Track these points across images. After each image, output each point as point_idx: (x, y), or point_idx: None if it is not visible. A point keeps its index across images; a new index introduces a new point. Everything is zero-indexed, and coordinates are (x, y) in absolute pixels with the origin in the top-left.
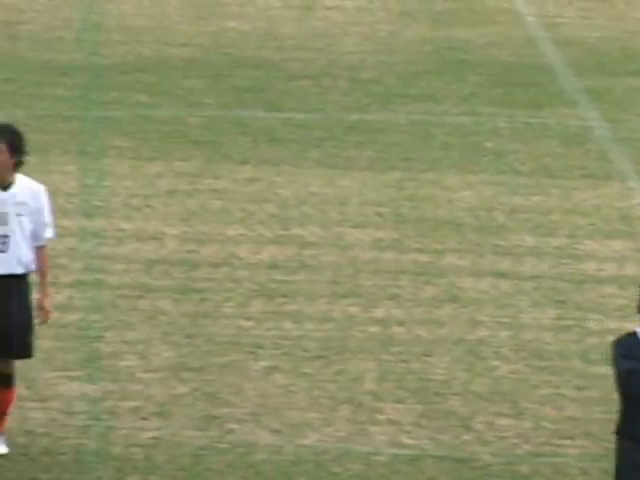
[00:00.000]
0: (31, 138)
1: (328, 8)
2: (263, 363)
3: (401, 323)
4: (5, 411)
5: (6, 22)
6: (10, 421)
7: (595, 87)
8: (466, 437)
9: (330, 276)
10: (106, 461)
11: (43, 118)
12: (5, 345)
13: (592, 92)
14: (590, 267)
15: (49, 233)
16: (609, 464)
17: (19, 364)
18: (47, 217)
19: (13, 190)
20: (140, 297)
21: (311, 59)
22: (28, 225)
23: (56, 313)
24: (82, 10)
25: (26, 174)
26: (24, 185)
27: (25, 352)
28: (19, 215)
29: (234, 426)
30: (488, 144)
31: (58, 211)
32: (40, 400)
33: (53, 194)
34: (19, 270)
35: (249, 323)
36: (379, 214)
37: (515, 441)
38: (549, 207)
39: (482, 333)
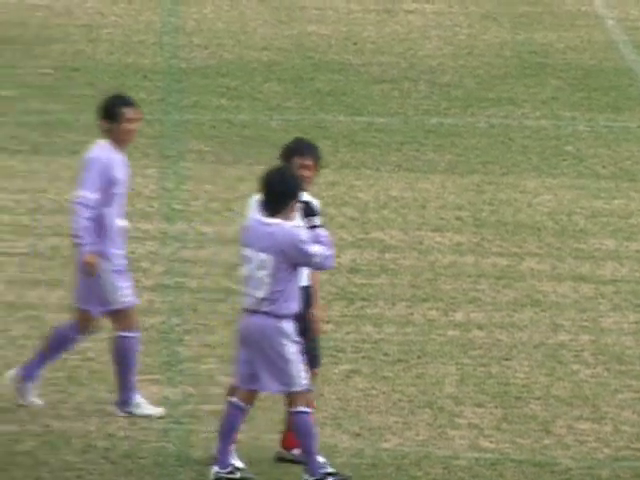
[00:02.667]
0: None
1: (408, 12)
2: (343, 367)
3: (481, 327)
4: None
5: (87, 26)
6: (91, 424)
7: None
8: (546, 441)
9: (410, 280)
10: (186, 464)
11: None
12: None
13: None
14: None
15: None
16: None
17: (100, 367)
18: None
19: None
20: (220, 300)
21: (391, 63)
22: None
23: (138, 316)
24: (163, 14)
25: None
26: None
27: None
28: None
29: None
30: (568, 148)
31: (138, 215)
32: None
33: (133, 197)
34: None
35: (329, 326)
36: (459, 218)
37: (595, 445)
38: (629, 210)
39: (562, 337)
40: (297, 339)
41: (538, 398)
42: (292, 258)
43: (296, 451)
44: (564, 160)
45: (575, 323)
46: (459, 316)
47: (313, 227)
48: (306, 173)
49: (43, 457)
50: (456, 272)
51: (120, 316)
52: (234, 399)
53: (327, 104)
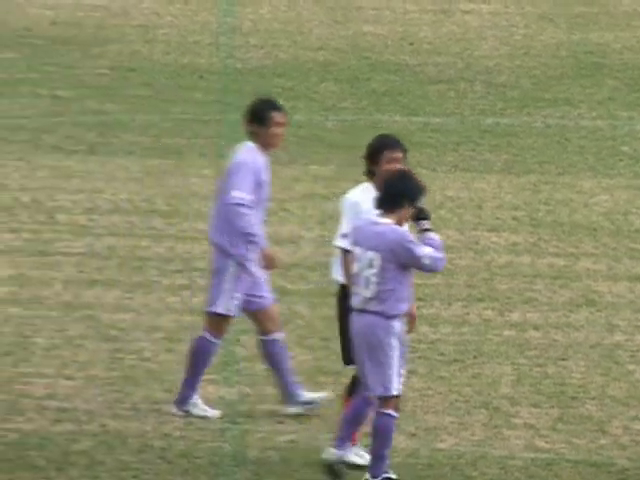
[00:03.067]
0: (167, 142)
1: (465, 12)
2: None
3: (537, 327)
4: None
5: (143, 26)
6: (147, 424)
7: None
8: (602, 441)
9: (466, 280)
10: (242, 464)
11: (179, 122)
12: None
13: None
14: None
15: None
16: None
17: (156, 367)
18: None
19: None
20: (277, 300)
21: (447, 63)
22: None
23: (194, 316)
24: (219, 14)
25: (162, 177)
26: None
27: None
28: None
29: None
30: (624, 148)
31: (194, 215)
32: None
33: (189, 197)
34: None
35: None
36: (515, 218)
37: None
38: None
39: (618, 337)
40: (402, 340)
41: (594, 398)
42: (401, 258)
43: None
44: (620, 160)
45: (631, 323)
46: (515, 316)
47: (425, 230)
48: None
49: (99, 457)
50: (512, 272)
51: (262, 318)
52: (382, 409)
53: (383, 104)
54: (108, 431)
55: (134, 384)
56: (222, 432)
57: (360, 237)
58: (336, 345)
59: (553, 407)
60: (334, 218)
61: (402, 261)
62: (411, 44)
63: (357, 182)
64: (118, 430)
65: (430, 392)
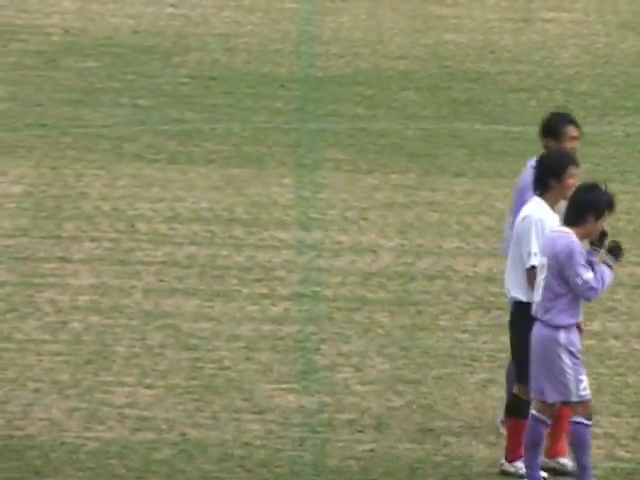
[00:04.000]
0: (248, 150)
1: (545, 20)
2: (479, 376)
3: (617, 336)
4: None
5: (224, 35)
6: (227, 433)
7: None
8: None
9: None
10: (322, 473)
11: (260, 130)
12: None
13: None
14: None
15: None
16: None
17: (236, 376)
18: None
19: None
20: (356, 309)
21: (528, 72)
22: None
23: (273, 325)
24: (300, 23)
25: (242, 186)
26: None
27: None
28: None
29: (450, 439)
30: None
31: (275, 224)
32: (258, 412)
33: (269, 206)
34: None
35: (465, 336)
36: None
37: None
38: None
39: None
40: (574, 350)
41: None
42: (562, 267)
43: (563, 460)
44: None
45: None
46: (595, 325)
47: (604, 262)
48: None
49: (180, 465)
50: None
51: None
52: (534, 412)
53: (463, 113)
54: (188, 440)
55: (214, 393)
56: (302, 441)
57: (542, 244)
58: (416, 354)
59: (634, 416)
60: (414, 227)
61: (563, 271)
62: (492, 52)
63: (437, 190)
64: (198, 439)
65: None
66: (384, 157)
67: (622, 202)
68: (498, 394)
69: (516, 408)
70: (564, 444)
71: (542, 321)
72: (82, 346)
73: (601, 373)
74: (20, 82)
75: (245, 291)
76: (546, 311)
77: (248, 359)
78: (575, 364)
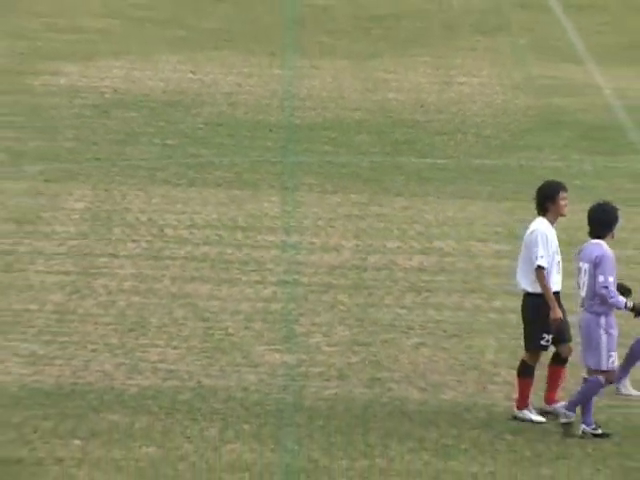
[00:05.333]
0: (246, 177)
1: (460, 83)
2: (413, 340)
3: (514, 311)
4: (558, 384)
5: (228, 93)
6: (231, 381)
7: None
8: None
9: (461, 277)
10: (300, 410)
11: (255, 163)
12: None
13: None
14: None
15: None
16: None
17: (238, 340)
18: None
19: None
20: (324, 292)
21: (448, 120)
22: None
23: (265, 303)
24: (284, 84)
25: (242, 203)
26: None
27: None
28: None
29: (393, 385)
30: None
31: (265, 229)
32: (253, 366)
33: (262, 217)
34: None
35: (403, 311)
36: None
37: None
38: None
39: None
40: (611, 331)
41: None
42: (596, 269)
43: (556, 406)
44: None
45: None
46: (497, 304)
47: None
48: (566, 204)
49: (197, 405)
50: None
51: None
52: (587, 375)
53: (402, 150)
54: (203, 386)
55: (221, 352)
56: (285, 387)
57: (581, 253)
58: (368, 324)
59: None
60: (366, 232)
61: (597, 272)
62: (422, 106)
63: (383, 206)
64: (210, 385)
65: (435, 358)
66: (345, 182)
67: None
68: (428, 353)
69: (524, 370)
70: (557, 394)
71: (586, 310)
72: (126, 318)
73: (501, 338)
74: (82, 127)
75: (244, 278)
76: (589, 303)
77: (246, 328)
78: (609, 342)
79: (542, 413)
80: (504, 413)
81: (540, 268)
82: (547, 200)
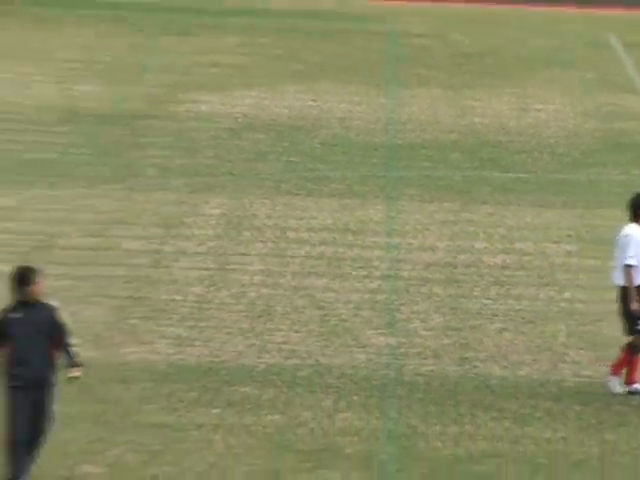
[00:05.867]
0: (356, 189)
1: (537, 110)
2: (495, 325)
3: (582, 301)
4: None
5: (342, 118)
6: (343, 360)
7: None
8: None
9: (537, 273)
10: (401, 384)
11: (364, 177)
12: None
13: None
14: None
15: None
16: None
17: (349, 325)
18: None
19: None
20: (422, 285)
21: (526, 141)
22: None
23: (371, 294)
24: (388, 111)
25: (353, 210)
26: None
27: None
28: None
29: (479, 364)
30: None
31: (372, 233)
32: (361, 347)
33: (369, 222)
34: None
35: (488, 301)
36: None
37: None
38: None
39: None
40: None
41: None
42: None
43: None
44: None
45: None
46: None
47: None
48: None
49: (315, 380)
50: None
51: None
52: None
53: (488, 166)
54: (320, 364)
55: (335, 336)
56: (388, 365)
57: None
58: (459, 312)
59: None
60: (458, 235)
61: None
62: (503, 129)
63: (473, 213)
64: (325, 364)
65: (515, 341)
66: (440, 193)
67: None
68: (509, 336)
69: (632, 350)
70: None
71: None
72: (255, 306)
73: (570, 324)
74: (218, 147)
75: (354, 273)
76: None
77: (356, 315)
78: None
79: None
80: (573, 387)
81: (628, 266)
82: (639, 209)
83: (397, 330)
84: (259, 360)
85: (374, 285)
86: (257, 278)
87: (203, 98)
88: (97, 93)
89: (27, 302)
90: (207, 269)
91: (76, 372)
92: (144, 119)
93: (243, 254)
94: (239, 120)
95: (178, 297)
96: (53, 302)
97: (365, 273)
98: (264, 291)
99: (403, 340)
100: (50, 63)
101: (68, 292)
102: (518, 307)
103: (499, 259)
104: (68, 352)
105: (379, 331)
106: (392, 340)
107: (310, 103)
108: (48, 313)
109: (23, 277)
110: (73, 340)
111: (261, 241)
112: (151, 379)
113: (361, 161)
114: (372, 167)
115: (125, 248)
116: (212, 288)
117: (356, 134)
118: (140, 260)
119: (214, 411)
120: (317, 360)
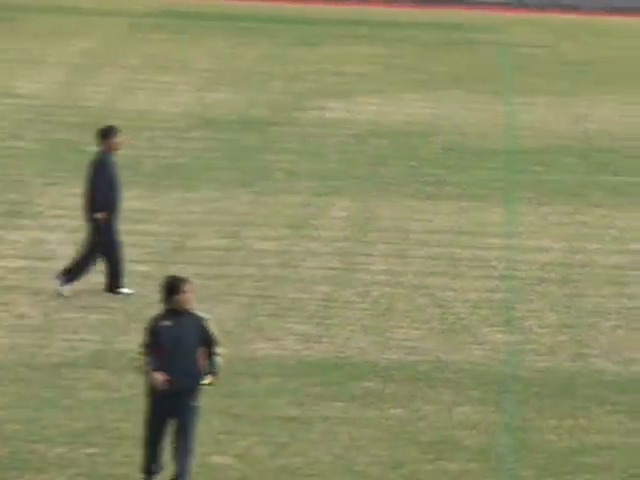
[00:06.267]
0: (474, 192)
1: None
2: (610, 323)
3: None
4: None
5: (457, 125)
6: (462, 355)
7: None
8: None
9: None
10: (517, 380)
11: (481, 181)
12: None
13: None
14: None
15: None
16: None
17: (467, 322)
18: None
19: None
20: (537, 284)
21: (635, 146)
22: None
23: (489, 294)
24: (504, 117)
25: (473, 212)
26: None
27: None
28: None
29: (593, 360)
30: None
31: (491, 235)
32: (479, 344)
33: (487, 224)
34: None
35: (602, 299)
36: None
37: None
38: None
39: None
40: None
41: None
42: None
43: None
44: None
45: None
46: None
47: None
48: None
49: (434, 375)
50: None
51: None
52: None
53: (600, 170)
54: (439, 360)
55: (454, 333)
56: (505, 361)
57: None
58: (574, 310)
59: None
60: (571, 236)
61: None
62: (612, 134)
63: (585, 215)
64: (445, 359)
65: (628, 338)
66: (554, 196)
67: None
68: (622, 333)
69: None
70: None
71: None
72: (378, 305)
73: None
74: (343, 152)
75: (472, 273)
76: None
77: (474, 313)
78: None
79: None
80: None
81: None
82: None
83: (513, 327)
84: (382, 356)
85: (491, 284)
86: (380, 277)
87: (329, 105)
88: (229, 101)
89: (177, 311)
90: (333, 269)
91: (210, 379)
92: (273, 125)
93: (367, 254)
94: (363, 127)
95: (305, 295)
96: (203, 313)
97: (483, 273)
98: (387, 290)
99: (519, 337)
100: (186, 72)
101: (201, 291)
102: (631, 305)
103: (612, 259)
104: (212, 361)
105: (496, 328)
106: (509, 337)
107: (428, 110)
108: (198, 322)
109: (172, 286)
110: (219, 350)
111: (384, 242)
112: (279, 374)
113: (478, 165)
114: (489, 171)
115: (255, 248)
116: (337, 287)
117: (473, 140)
118: (269, 260)
119: (339, 405)
120: (437, 356)
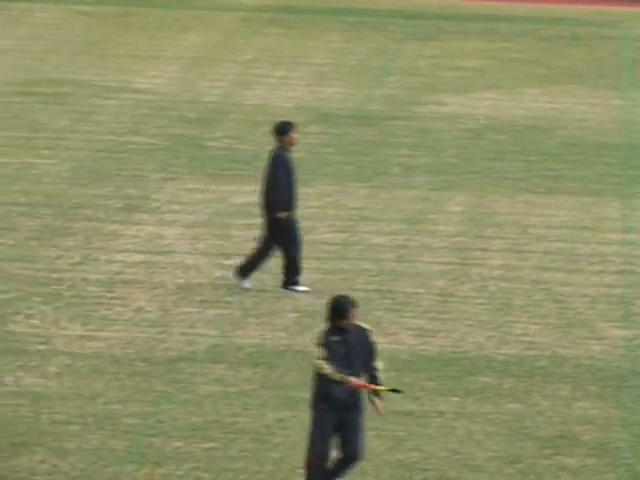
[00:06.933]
0: (593, 187)
1: None
2: None
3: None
4: None
5: (578, 120)
6: (578, 350)
7: None
8: None
9: None
10: (636, 375)
11: (600, 175)
12: None
13: None
14: None
15: None
16: None
17: (585, 318)
18: None
19: None
20: None
21: None
22: None
23: (606, 289)
24: (623, 112)
25: (589, 207)
26: None
27: None
28: None
29: None
30: None
31: (608, 230)
32: (597, 339)
33: (604, 220)
34: None
35: None
36: None
37: None
38: None
39: None
40: None
41: None
42: None
43: None
44: None
45: None
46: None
47: None
48: None
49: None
50: None
51: None
52: None
53: None
54: (557, 355)
55: (572, 328)
56: (624, 357)
57: None
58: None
59: None
60: None
61: None
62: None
63: None
64: (563, 354)
65: None
66: None
67: None
68: None
69: None
70: None
71: None
72: (495, 300)
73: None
74: (460, 147)
75: (590, 268)
76: None
77: (592, 308)
78: None
79: None
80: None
81: None
82: None
83: (632, 323)
84: (499, 351)
85: (610, 279)
86: (497, 272)
87: (446, 100)
88: (344, 95)
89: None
90: (449, 263)
91: (378, 403)
92: (389, 120)
93: (484, 249)
94: (480, 121)
95: (421, 290)
96: (366, 325)
97: (601, 268)
98: (504, 285)
99: (638, 332)
100: (301, 67)
101: (318, 285)
102: None
103: None
104: (375, 377)
105: (614, 324)
106: (627, 332)
107: (547, 105)
108: (362, 335)
109: (341, 311)
110: (380, 364)
111: (501, 237)
112: (394, 368)
113: (597, 160)
114: (608, 166)
115: (371, 243)
116: (454, 282)
117: (592, 134)
118: (385, 255)
119: (455, 399)
120: (555, 351)
